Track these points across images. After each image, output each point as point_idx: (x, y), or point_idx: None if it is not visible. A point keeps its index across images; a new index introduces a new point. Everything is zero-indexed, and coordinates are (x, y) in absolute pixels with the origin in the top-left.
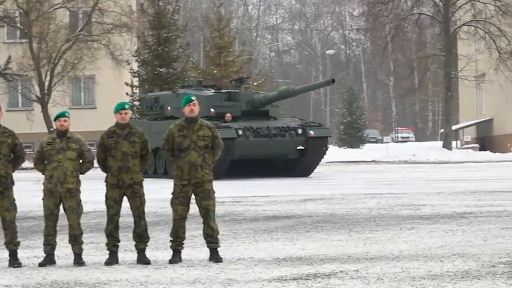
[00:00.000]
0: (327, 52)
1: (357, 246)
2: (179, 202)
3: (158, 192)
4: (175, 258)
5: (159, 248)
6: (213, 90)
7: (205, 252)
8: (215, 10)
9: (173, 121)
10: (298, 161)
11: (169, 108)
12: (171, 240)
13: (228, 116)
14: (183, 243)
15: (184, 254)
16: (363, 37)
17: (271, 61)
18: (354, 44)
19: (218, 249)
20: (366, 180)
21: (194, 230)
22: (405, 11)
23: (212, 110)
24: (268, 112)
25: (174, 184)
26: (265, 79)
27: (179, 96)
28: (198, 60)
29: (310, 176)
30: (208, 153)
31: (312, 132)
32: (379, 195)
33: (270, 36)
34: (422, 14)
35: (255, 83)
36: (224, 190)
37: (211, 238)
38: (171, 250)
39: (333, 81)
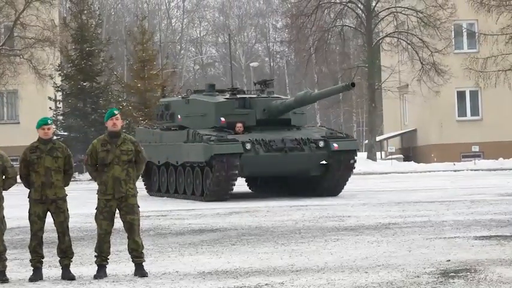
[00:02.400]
0: (251, 64)
1: (282, 259)
2: (103, 217)
3: (82, 207)
4: (100, 274)
5: (83, 263)
6: (227, 95)
7: (131, 267)
8: (138, 23)
9: (183, 132)
10: (323, 179)
11: (179, 116)
12: (95, 256)
13: (239, 126)
14: (108, 258)
15: (109, 269)
16: (286, 49)
17: (195, 74)
18: (278, 56)
19: (143, 263)
20: (291, 191)
21: (119, 245)
22: (328, 23)
23: (222, 119)
24: (289, 121)
25: (98, 199)
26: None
27: (189, 103)
28: (122, 74)
29: (338, 195)
30: (132, 167)
31: (335, 145)
32: (304, 207)
33: (194, 49)
34: (346, 25)
35: (179, 96)
36: (149, 204)
37: (136, 253)
38: (96, 265)
39: (353, 85)
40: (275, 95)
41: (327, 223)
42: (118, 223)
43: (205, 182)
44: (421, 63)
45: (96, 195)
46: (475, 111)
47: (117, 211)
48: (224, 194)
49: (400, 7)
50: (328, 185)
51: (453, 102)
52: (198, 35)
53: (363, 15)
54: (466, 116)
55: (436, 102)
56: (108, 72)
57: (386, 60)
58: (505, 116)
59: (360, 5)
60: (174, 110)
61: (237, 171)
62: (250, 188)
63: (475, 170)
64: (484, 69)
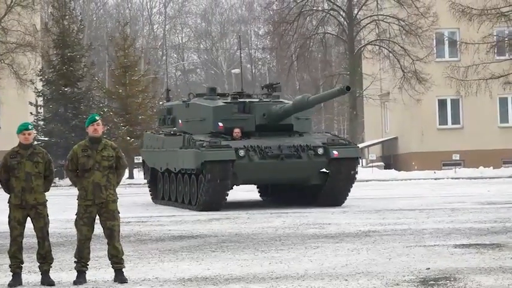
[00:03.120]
0: (233, 71)
1: (262, 266)
2: (83, 223)
3: (62, 213)
4: (80, 279)
5: (63, 269)
6: (228, 99)
7: (110, 273)
8: (120, 29)
9: (181, 138)
10: (324, 188)
11: (180, 121)
12: (75, 261)
13: (237, 132)
14: (88, 264)
15: (89, 275)
16: (268, 56)
17: (177, 80)
18: (260, 63)
19: (123, 269)
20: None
21: (99, 251)
22: (310, 31)
23: (220, 124)
24: (291, 127)
25: (78, 205)
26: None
27: (189, 107)
28: (103, 80)
29: (342, 205)
30: (113, 173)
31: (335, 152)
32: (284, 214)
33: (175, 55)
34: (327, 33)
35: (160, 102)
36: (130, 210)
37: (116, 259)
38: (76, 271)
39: (348, 88)
40: (280, 100)
41: (307, 230)
42: (98, 229)
43: (198, 190)
44: (403, 71)
45: (77, 201)
46: (455, 119)
47: (97, 217)
48: (217, 203)
49: (382, 15)
50: (329, 194)
51: (434, 111)
52: (180, 41)
53: (345, 22)
54: (447, 124)
55: (417, 110)
56: (89, 77)
57: (367, 68)
58: (485, 125)
59: (342, 13)
60: (175, 114)
61: (229, 180)
62: (261, 197)
63: (456, 179)
64: (465, 77)
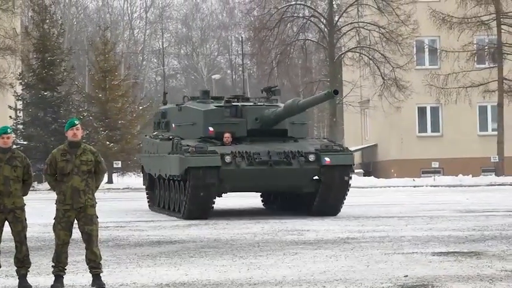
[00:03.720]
0: (213, 77)
1: (240, 272)
2: (62, 227)
3: (41, 217)
4: (57, 284)
5: (41, 273)
6: (221, 103)
7: (88, 278)
8: (101, 34)
9: (170, 143)
10: (317, 196)
11: (173, 125)
12: (53, 266)
13: (227, 137)
14: (65, 269)
15: (67, 279)
16: (249, 62)
17: (157, 85)
18: (240, 69)
19: (101, 274)
20: (251, 204)
21: (77, 255)
22: (291, 37)
23: (211, 128)
24: (285, 132)
25: (57, 209)
26: (150, 103)
27: (181, 111)
28: (83, 84)
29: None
30: (92, 178)
31: (327, 159)
32: (263, 220)
33: (156, 60)
34: (308, 40)
35: (140, 107)
36: (109, 215)
37: (93, 263)
38: (53, 275)
39: (336, 92)
40: (276, 104)
41: (286, 237)
42: (76, 233)
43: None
44: (383, 78)
45: (55, 205)
46: (435, 127)
47: (76, 221)
48: (202, 212)
49: (362, 22)
50: (323, 203)
51: (414, 118)
52: (161, 46)
53: (326, 29)
54: (426, 132)
55: (397, 117)
56: (69, 82)
57: (348, 74)
58: (465, 133)
59: (322, 20)
60: (169, 118)
61: (214, 187)
62: (264, 205)
63: (435, 186)
64: (445, 85)
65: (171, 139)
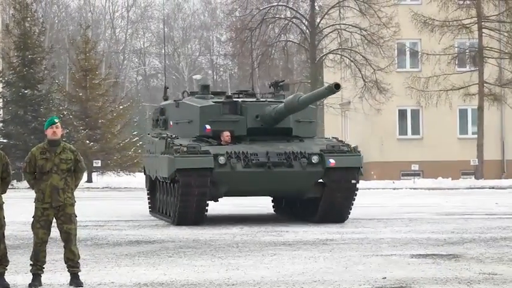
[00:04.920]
0: (194, 77)
1: (219, 272)
2: (40, 226)
3: (19, 216)
4: (35, 283)
5: (19, 271)
6: (222, 99)
7: (66, 277)
8: (82, 32)
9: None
10: (321, 202)
11: (171, 123)
12: (31, 264)
13: (226, 135)
14: (44, 267)
15: (45, 278)
16: (230, 62)
17: (137, 84)
18: (222, 69)
19: (79, 273)
20: (230, 205)
21: (55, 254)
22: (272, 38)
23: (208, 126)
24: (290, 131)
25: (36, 207)
26: (131, 102)
27: (179, 107)
28: (64, 83)
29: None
30: (71, 176)
31: (332, 161)
32: (243, 220)
33: (137, 60)
34: (289, 41)
35: (120, 107)
36: (87, 214)
37: (72, 262)
38: (31, 274)
39: (337, 86)
40: (283, 100)
41: (265, 237)
42: (55, 232)
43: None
44: (364, 80)
45: (34, 204)
46: (415, 130)
47: (54, 220)
48: (195, 217)
49: (344, 24)
50: (328, 209)
51: (394, 121)
52: (142, 46)
53: (307, 31)
54: (406, 134)
55: (378, 120)
56: (49, 80)
57: (329, 76)
58: (445, 136)
59: (304, 21)
60: (167, 115)
61: (206, 191)
62: (275, 211)
63: (414, 189)
64: (425, 88)
65: (164, 138)
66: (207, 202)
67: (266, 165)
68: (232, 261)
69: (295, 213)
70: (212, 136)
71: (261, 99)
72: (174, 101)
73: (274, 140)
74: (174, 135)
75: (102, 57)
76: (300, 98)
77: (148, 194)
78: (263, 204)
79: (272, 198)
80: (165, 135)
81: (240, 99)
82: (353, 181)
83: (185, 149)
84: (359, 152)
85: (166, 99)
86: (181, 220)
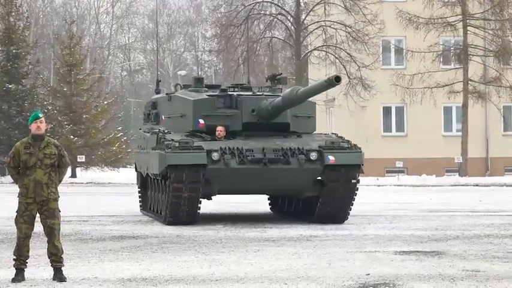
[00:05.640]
0: (179, 73)
1: (203, 268)
2: (24, 220)
3: (2, 210)
4: (18, 277)
5: (2, 266)
6: (216, 92)
7: (49, 271)
8: (67, 27)
9: (169, 135)
10: (320, 200)
11: (163, 117)
12: (14, 259)
13: (220, 130)
14: (27, 262)
15: (28, 272)
16: (215, 58)
17: (122, 80)
18: (206, 65)
19: (62, 268)
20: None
21: (39, 249)
22: (257, 34)
23: (201, 121)
24: (287, 126)
25: (19, 202)
26: (116, 98)
27: (171, 101)
28: (49, 77)
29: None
30: (55, 171)
31: (331, 158)
32: (227, 216)
33: (122, 55)
34: (275, 37)
35: (105, 102)
36: (71, 209)
37: (55, 257)
38: (14, 269)
39: (337, 79)
40: (280, 94)
41: (249, 233)
42: (38, 227)
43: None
44: (348, 77)
45: (17, 198)
46: (400, 127)
47: (38, 215)
48: (187, 217)
49: (329, 21)
50: (326, 208)
51: (379, 118)
52: (127, 41)
53: (292, 27)
54: (391, 131)
55: (362, 116)
56: (34, 75)
57: (314, 73)
58: (429, 133)
59: (289, 18)
60: (159, 109)
61: (199, 188)
62: (271, 209)
63: (398, 186)
64: (410, 85)
65: (155, 133)
66: (200, 200)
67: (262, 161)
68: (216, 256)
69: (292, 213)
70: (206, 131)
71: (258, 93)
72: (166, 94)
73: (271, 135)
74: (166, 130)
75: (86, 52)
76: (298, 91)
77: (139, 192)
78: (255, 201)
79: (268, 197)
80: (157, 130)
81: (235, 93)
82: (353, 180)
83: (177, 144)
84: (360, 148)
85: (158, 92)
86: (172, 219)
